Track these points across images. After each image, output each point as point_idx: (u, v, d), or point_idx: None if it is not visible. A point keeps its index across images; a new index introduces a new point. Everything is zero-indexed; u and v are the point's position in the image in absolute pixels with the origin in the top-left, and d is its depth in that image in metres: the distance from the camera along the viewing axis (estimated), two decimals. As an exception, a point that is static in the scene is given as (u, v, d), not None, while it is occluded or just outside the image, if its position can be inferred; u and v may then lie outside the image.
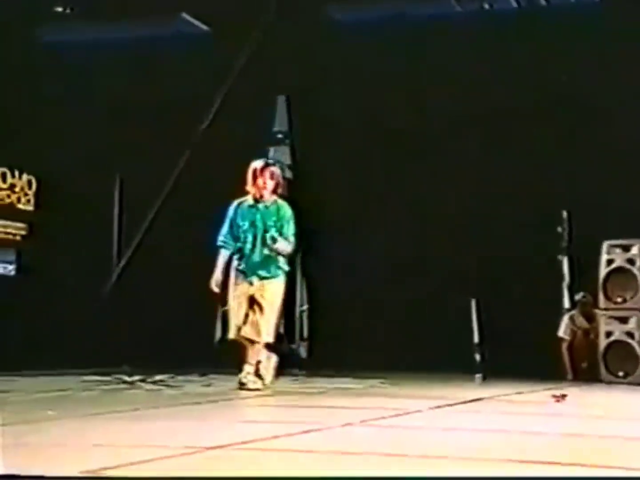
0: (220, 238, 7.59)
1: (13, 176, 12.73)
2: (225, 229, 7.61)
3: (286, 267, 7.63)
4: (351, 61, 12.38)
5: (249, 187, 7.58)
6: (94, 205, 12.78)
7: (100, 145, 12.69)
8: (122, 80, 12.95)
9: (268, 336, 7.45)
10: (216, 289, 7.50)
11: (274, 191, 7.62)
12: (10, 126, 11.93)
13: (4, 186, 12.62)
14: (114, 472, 3.15)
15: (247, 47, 12.41)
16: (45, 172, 12.92)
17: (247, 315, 7.40)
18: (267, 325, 7.42)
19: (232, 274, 7.52)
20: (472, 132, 11.69)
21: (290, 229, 7.58)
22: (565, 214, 11.60)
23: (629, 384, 9.44)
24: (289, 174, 14.01)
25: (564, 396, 6.81)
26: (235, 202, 7.68)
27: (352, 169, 12.30)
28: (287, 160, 13.94)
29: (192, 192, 12.19)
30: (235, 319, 7.44)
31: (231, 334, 7.50)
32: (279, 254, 7.55)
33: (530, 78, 11.74)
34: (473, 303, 11.68)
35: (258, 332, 7.39)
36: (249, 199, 7.63)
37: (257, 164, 7.63)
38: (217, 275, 7.50)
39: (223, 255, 7.55)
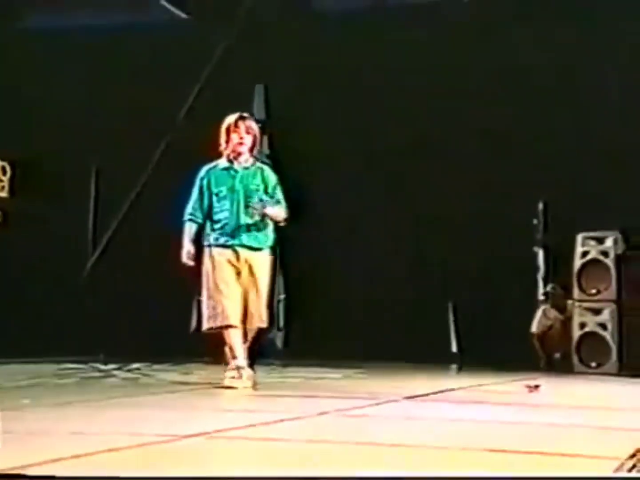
0: (189, 211, 6.62)
1: (-14, 162, 12.63)
2: (193, 201, 6.63)
3: (271, 241, 6.63)
4: (332, 50, 12.34)
5: (223, 146, 6.65)
6: (69, 193, 12.69)
7: (76, 134, 12.59)
8: (98, 68, 12.85)
9: (265, 320, 6.53)
10: (190, 262, 6.48)
11: (252, 150, 6.68)
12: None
13: (-22, 173, 12.52)
14: (89, 459, 3.16)
15: (226, 36, 12.37)
16: (20, 160, 12.82)
17: (244, 299, 6.41)
18: (263, 307, 6.48)
19: (207, 250, 6.55)
20: (445, 122, 11.64)
21: (279, 192, 6.64)
22: (541, 205, 11.65)
23: (602, 374, 9.53)
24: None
25: (537, 387, 6.88)
26: (205, 168, 6.71)
27: (331, 159, 12.28)
28: (265, 150, 13.93)
29: (169, 182, 12.13)
30: (228, 302, 6.36)
31: (219, 321, 6.38)
32: (271, 220, 6.60)
33: (505, 67, 11.70)
34: (450, 305, 11.74)
35: (259, 317, 6.47)
36: (221, 162, 6.68)
37: (230, 118, 6.69)
38: (188, 246, 6.49)
39: (190, 228, 6.58)
